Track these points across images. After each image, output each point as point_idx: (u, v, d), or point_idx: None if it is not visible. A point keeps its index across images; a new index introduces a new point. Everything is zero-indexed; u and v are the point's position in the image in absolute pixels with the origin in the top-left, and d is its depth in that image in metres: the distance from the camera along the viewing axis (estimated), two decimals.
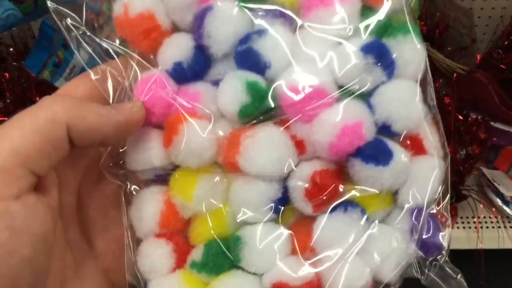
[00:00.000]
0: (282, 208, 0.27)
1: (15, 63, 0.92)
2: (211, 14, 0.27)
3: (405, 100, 0.27)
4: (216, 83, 0.28)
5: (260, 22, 0.27)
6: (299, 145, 0.27)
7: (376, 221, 0.27)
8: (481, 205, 0.97)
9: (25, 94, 0.90)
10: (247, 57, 0.26)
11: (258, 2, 0.27)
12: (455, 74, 0.91)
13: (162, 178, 0.28)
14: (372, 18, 0.27)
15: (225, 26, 0.27)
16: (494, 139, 0.94)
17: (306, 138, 0.27)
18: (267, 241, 0.26)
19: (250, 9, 0.27)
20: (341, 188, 0.26)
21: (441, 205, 0.29)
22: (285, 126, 0.26)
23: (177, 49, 0.28)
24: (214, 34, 0.27)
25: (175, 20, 0.28)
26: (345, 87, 0.27)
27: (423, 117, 0.27)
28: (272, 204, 0.27)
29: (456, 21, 0.99)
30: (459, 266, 0.96)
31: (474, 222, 0.98)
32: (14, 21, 0.74)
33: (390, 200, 0.27)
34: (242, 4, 0.27)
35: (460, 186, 0.94)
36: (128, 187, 0.29)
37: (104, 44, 0.29)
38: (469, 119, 0.91)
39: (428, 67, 0.29)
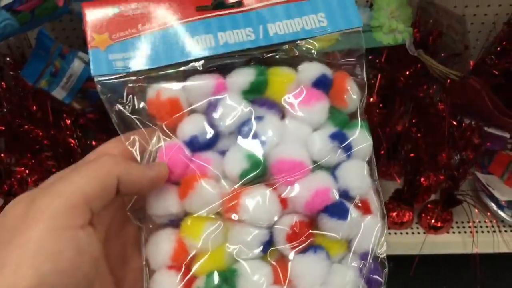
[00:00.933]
0: (269, 249, 0.36)
1: (12, 73, 0.92)
2: (223, 101, 0.37)
3: (358, 175, 0.38)
4: (222, 152, 0.37)
5: (258, 111, 0.37)
6: (283, 202, 0.36)
7: (336, 262, 0.37)
8: (476, 210, 0.97)
9: (22, 103, 0.91)
10: (248, 135, 0.37)
11: (258, 95, 0.38)
12: (448, 80, 0.92)
13: (174, 223, 0.37)
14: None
15: (231, 111, 0.37)
16: (488, 144, 0.95)
17: (288, 197, 0.36)
18: (256, 274, 0.35)
19: (251, 101, 0.38)
20: (312, 235, 0.36)
21: (380, 252, 0.39)
22: (273, 188, 0.36)
23: (194, 125, 0.37)
24: (224, 116, 0.37)
25: (193, 104, 0.38)
26: (317, 163, 0.37)
27: (370, 186, 0.38)
28: (261, 246, 0.35)
29: (449, 28, 0.99)
30: (455, 270, 0.97)
31: (469, 227, 0.98)
32: (11, 31, 0.74)
33: (346, 246, 0.37)
34: (244, 97, 0.38)
35: (455, 191, 0.95)
36: (146, 229, 0.37)
37: (134, 117, 0.37)
38: (463, 124, 0.92)
39: (373, 153, 0.39)
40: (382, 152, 0.93)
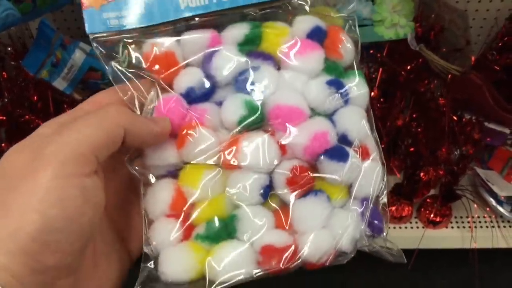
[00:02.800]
0: (269, 193, 0.36)
1: (13, 63, 0.92)
2: (218, 53, 0.37)
3: (356, 119, 0.38)
4: (219, 103, 0.37)
5: (254, 62, 0.38)
6: (282, 148, 0.36)
7: (337, 207, 0.37)
8: (475, 205, 0.98)
9: (23, 93, 0.91)
10: (245, 84, 0.37)
11: (253, 48, 0.38)
12: (449, 75, 0.92)
13: (172, 173, 0.37)
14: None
15: (227, 62, 0.37)
16: (488, 139, 0.95)
17: (287, 143, 0.36)
18: (256, 217, 0.35)
19: (246, 54, 0.38)
20: (312, 179, 0.36)
21: (381, 198, 0.39)
22: (271, 134, 0.36)
23: (190, 77, 0.37)
24: (220, 67, 0.37)
25: (188, 58, 0.38)
26: (315, 109, 0.37)
27: (368, 132, 0.39)
28: (262, 190, 0.35)
29: (451, 23, 0.99)
30: (454, 265, 0.98)
31: (468, 222, 0.99)
32: (12, 20, 0.74)
33: (346, 192, 0.37)
34: (240, 49, 0.38)
35: (454, 186, 0.95)
36: (144, 179, 0.38)
37: (130, 71, 0.38)
38: (463, 119, 0.92)
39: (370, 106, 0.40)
40: (383, 146, 0.93)
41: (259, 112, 0.36)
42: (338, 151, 0.36)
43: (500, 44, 1.01)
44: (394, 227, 0.99)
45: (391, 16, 0.85)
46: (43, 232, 0.28)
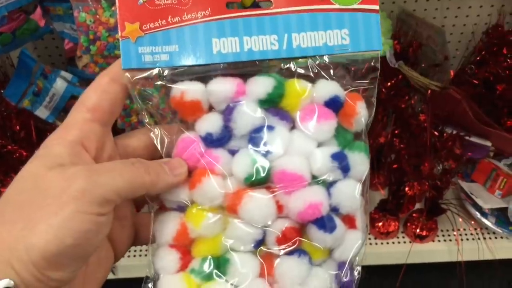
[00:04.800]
0: (260, 246, 0.39)
1: None
2: (240, 108, 0.39)
3: (351, 194, 0.40)
4: (232, 152, 0.40)
5: (270, 121, 0.40)
6: (279, 207, 0.39)
7: (316, 265, 0.40)
8: (460, 219, 0.99)
9: (5, 123, 0.90)
10: (258, 143, 0.39)
11: (273, 105, 0.40)
12: (429, 91, 0.93)
13: (181, 208, 0.40)
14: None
15: (246, 118, 0.39)
16: (470, 154, 0.96)
17: (284, 204, 0.39)
18: (245, 266, 0.39)
19: (265, 109, 0.40)
20: (299, 240, 0.40)
21: (356, 264, 0.42)
22: (273, 193, 0.39)
23: (210, 123, 0.40)
24: (238, 121, 0.39)
25: (213, 105, 0.41)
26: (316, 177, 0.40)
27: (359, 206, 0.41)
28: (254, 243, 0.39)
29: (428, 39, 1.01)
30: (442, 278, 0.98)
31: (454, 235, 0.99)
32: None
33: (327, 254, 0.41)
34: (260, 105, 0.40)
35: (439, 200, 0.96)
36: (156, 208, 0.41)
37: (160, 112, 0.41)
38: (445, 134, 0.93)
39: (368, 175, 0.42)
40: None
41: (265, 173, 0.39)
42: (328, 222, 0.39)
43: (478, 58, 1.02)
44: (382, 243, 1.00)
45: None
46: (54, 255, 0.32)
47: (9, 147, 0.88)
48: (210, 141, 0.40)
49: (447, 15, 1.09)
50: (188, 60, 0.39)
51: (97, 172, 0.35)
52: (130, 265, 0.96)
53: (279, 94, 0.40)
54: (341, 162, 0.40)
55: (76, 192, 0.33)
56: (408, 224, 0.99)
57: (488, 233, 1.00)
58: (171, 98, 0.40)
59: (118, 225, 0.41)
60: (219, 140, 0.40)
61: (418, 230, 0.98)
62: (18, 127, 0.90)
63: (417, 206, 1.00)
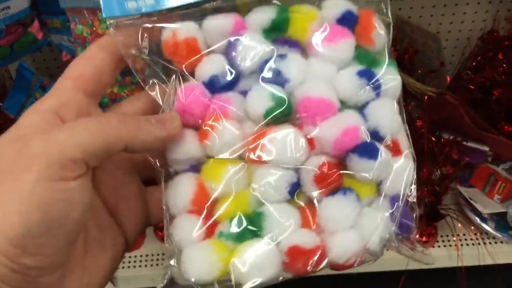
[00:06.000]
0: (296, 191, 0.35)
1: None
2: (243, 40, 0.35)
3: (388, 113, 0.36)
4: (243, 93, 0.36)
5: (280, 50, 0.36)
6: (310, 143, 0.34)
7: (366, 206, 0.36)
8: (459, 224, 0.98)
9: None
10: (272, 75, 0.35)
11: (279, 34, 0.36)
12: (426, 97, 0.94)
13: (194, 167, 0.36)
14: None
15: (253, 51, 0.35)
16: (467, 158, 0.96)
17: (315, 138, 0.34)
18: (283, 216, 0.34)
19: (272, 39, 0.36)
20: (341, 176, 0.35)
21: (411, 196, 0.37)
22: (299, 127, 0.34)
23: (213, 65, 0.36)
24: (244, 55, 0.35)
25: (211, 45, 0.36)
26: (345, 101, 0.35)
27: (400, 126, 0.37)
28: (288, 188, 0.34)
29: (424, 45, 1.01)
30: (442, 284, 0.97)
31: (454, 240, 0.99)
32: None
33: (376, 190, 0.36)
34: (265, 36, 0.36)
35: (438, 206, 0.96)
36: (165, 173, 0.36)
37: (150, 59, 0.36)
38: (442, 140, 0.93)
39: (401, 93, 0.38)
40: None
41: (286, 104, 0.34)
42: (369, 147, 0.34)
43: (474, 64, 1.03)
44: None
45: None
46: (23, 237, 0.27)
47: None
48: (216, 85, 0.36)
49: (442, 22, 1.10)
50: (175, 2, 0.35)
51: (55, 130, 0.30)
52: (130, 276, 0.96)
53: (284, 19, 0.36)
54: (370, 78, 0.36)
55: (32, 158, 0.28)
56: None
57: (488, 238, 1.00)
58: (163, 42, 0.36)
59: (124, 206, 0.37)
60: (226, 82, 0.36)
61: (417, 236, 0.97)
62: None
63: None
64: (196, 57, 0.36)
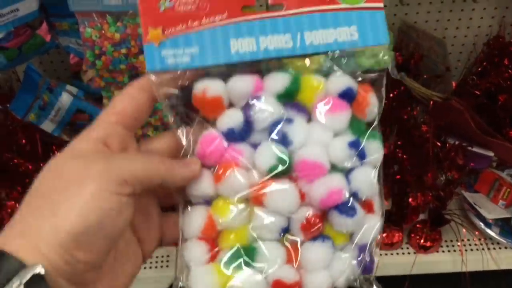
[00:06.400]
0: (285, 234, 0.41)
1: (0, 107, 0.93)
2: (259, 103, 0.41)
3: (368, 180, 0.42)
4: (254, 145, 0.42)
5: (289, 114, 0.42)
6: (302, 195, 0.41)
7: (338, 250, 0.43)
8: (464, 229, 0.98)
9: (11, 137, 0.91)
10: (278, 135, 0.41)
11: (290, 99, 0.42)
12: (431, 102, 0.94)
13: (207, 202, 0.42)
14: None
15: (265, 112, 0.41)
16: (472, 164, 0.96)
17: (307, 192, 0.41)
18: (273, 253, 0.41)
19: (284, 103, 0.42)
20: (322, 226, 0.42)
21: (374, 244, 0.44)
22: (295, 180, 0.41)
23: (232, 119, 0.42)
24: (258, 116, 0.41)
25: (234, 102, 0.42)
26: (335, 165, 0.42)
27: (376, 190, 0.43)
28: (280, 231, 0.41)
29: (430, 50, 1.02)
30: None
31: (458, 246, 0.99)
32: None
33: (348, 238, 0.43)
34: (278, 100, 0.42)
35: (442, 211, 0.96)
36: (183, 203, 0.43)
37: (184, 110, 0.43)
38: (447, 145, 0.93)
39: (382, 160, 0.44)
40: None
41: (287, 164, 0.40)
42: (348, 207, 0.41)
43: (479, 69, 1.03)
44: (386, 254, 1.00)
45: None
46: (80, 234, 0.33)
47: (15, 160, 0.89)
48: (232, 136, 0.42)
49: (448, 27, 1.10)
50: (208, 61, 0.41)
51: (115, 157, 0.38)
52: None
53: (296, 88, 0.42)
54: (358, 149, 0.42)
55: (95, 173, 0.35)
56: (412, 235, 0.99)
57: (492, 244, 1.00)
58: (193, 96, 0.42)
59: (145, 225, 0.43)
60: (241, 135, 0.42)
61: (422, 241, 0.98)
62: (24, 141, 0.90)
63: (421, 216, 1.00)
64: (220, 110, 0.42)
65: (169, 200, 0.44)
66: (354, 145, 0.42)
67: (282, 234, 0.41)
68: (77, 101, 0.89)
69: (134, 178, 0.36)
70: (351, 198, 0.42)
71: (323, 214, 0.42)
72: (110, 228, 0.35)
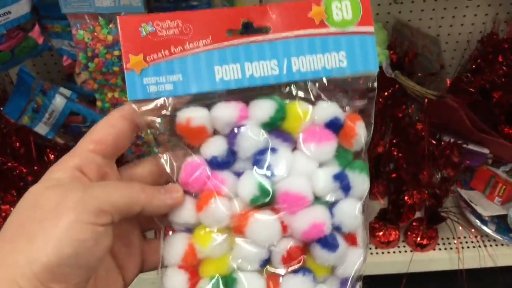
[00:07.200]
0: (266, 265, 0.40)
1: None
2: (243, 131, 0.41)
3: (352, 213, 0.41)
4: (237, 174, 0.41)
5: (273, 143, 0.41)
6: (284, 227, 0.40)
7: (320, 282, 0.41)
8: (460, 227, 0.99)
9: (5, 140, 0.91)
10: (262, 165, 0.40)
11: (275, 127, 0.41)
12: (426, 100, 0.94)
13: (189, 230, 0.41)
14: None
15: (250, 141, 0.40)
16: (467, 162, 0.96)
17: (289, 224, 0.40)
18: (252, 284, 0.40)
19: (268, 132, 0.41)
20: (303, 258, 0.41)
21: (359, 281, 0.43)
22: (278, 214, 0.40)
23: (215, 147, 0.41)
24: (242, 145, 0.40)
25: (217, 129, 0.41)
26: (318, 197, 0.41)
27: (360, 223, 0.42)
28: (260, 262, 0.40)
29: (424, 48, 1.02)
30: (443, 286, 0.97)
31: (455, 243, 0.99)
32: None
33: (330, 271, 0.42)
34: (263, 128, 0.41)
35: (438, 209, 0.96)
36: (164, 230, 0.42)
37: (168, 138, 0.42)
38: (442, 143, 0.93)
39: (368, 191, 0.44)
40: None
41: (270, 195, 0.40)
42: (331, 241, 0.40)
43: (473, 66, 1.03)
44: (383, 252, 1.00)
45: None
46: (56, 266, 0.33)
47: (9, 164, 0.88)
48: (216, 164, 0.41)
49: (442, 25, 1.10)
50: (192, 89, 0.40)
51: (92, 186, 0.37)
52: None
53: (281, 117, 0.41)
54: (342, 182, 0.41)
55: (72, 203, 0.34)
56: (409, 233, 0.99)
57: (489, 241, 1.00)
58: (177, 125, 0.41)
59: (125, 252, 0.42)
60: (224, 163, 0.41)
61: (418, 239, 0.98)
62: (18, 143, 0.90)
63: (417, 214, 1.00)
64: (204, 139, 0.42)
65: (152, 225, 0.43)
66: (339, 177, 0.41)
67: (262, 266, 0.40)
68: (70, 103, 0.89)
69: (112, 207, 0.36)
70: (334, 232, 0.41)
71: (305, 246, 0.41)
72: (87, 259, 0.35)
